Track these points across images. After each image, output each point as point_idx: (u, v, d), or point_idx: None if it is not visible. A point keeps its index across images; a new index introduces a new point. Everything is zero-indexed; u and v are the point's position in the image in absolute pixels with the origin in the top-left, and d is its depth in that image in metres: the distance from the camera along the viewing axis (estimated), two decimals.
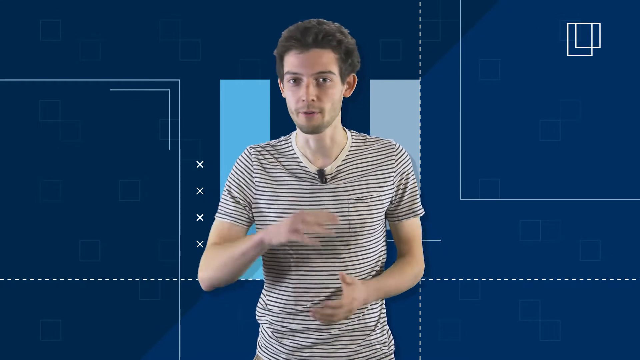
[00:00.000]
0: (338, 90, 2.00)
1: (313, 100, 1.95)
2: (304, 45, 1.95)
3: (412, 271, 2.12)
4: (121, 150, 2.91)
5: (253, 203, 2.07)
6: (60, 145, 2.90)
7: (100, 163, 2.91)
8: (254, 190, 2.07)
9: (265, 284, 2.11)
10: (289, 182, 2.05)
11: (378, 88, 2.92)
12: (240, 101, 2.92)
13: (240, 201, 2.08)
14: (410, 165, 2.12)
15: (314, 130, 1.99)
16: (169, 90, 2.91)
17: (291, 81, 1.97)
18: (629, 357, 2.92)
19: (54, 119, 2.90)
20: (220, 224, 2.11)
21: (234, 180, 2.09)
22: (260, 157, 2.08)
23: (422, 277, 2.91)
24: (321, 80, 1.96)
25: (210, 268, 2.03)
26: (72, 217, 2.90)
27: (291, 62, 1.96)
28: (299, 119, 1.99)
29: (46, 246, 2.90)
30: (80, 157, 2.90)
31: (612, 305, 2.91)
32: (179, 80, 2.92)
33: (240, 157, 2.11)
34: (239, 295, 2.88)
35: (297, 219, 1.86)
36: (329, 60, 1.97)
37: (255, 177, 2.06)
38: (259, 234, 1.94)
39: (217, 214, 2.12)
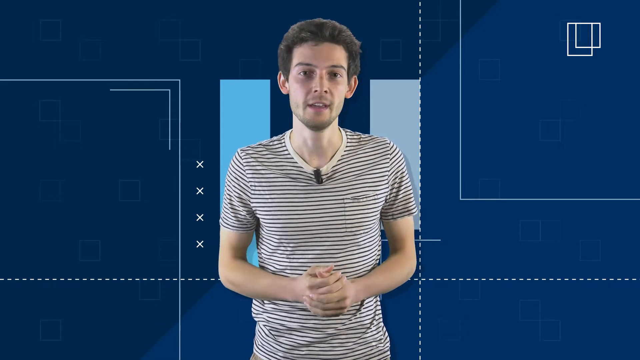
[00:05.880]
0: (345, 88, 2.01)
1: (326, 92, 1.94)
2: (320, 39, 1.95)
3: (402, 270, 2.11)
4: (121, 150, 2.91)
5: (252, 205, 2.07)
6: (60, 145, 2.90)
7: (100, 163, 2.91)
8: (250, 195, 2.06)
9: None
10: (284, 184, 2.04)
11: (378, 88, 2.92)
12: (240, 101, 2.91)
13: (241, 210, 2.07)
14: (404, 163, 2.12)
15: (320, 125, 1.98)
16: (169, 90, 2.91)
17: (302, 73, 1.96)
18: (629, 357, 2.91)
19: (54, 119, 2.90)
20: (228, 233, 2.11)
21: (231, 188, 2.08)
22: (251, 160, 2.06)
23: (423, 277, 2.93)
24: (333, 74, 1.96)
25: (238, 288, 2.13)
26: (72, 217, 2.90)
27: (305, 53, 1.95)
28: (305, 113, 1.97)
29: (46, 246, 2.90)
30: (80, 157, 2.90)
31: (612, 305, 2.91)
32: (179, 80, 2.91)
33: (231, 161, 2.09)
34: (239, 295, 2.88)
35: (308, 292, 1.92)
36: (341, 55, 1.97)
37: (250, 181, 2.05)
38: (289, 290, 1.98)
39: (221, 221, 2.12)
